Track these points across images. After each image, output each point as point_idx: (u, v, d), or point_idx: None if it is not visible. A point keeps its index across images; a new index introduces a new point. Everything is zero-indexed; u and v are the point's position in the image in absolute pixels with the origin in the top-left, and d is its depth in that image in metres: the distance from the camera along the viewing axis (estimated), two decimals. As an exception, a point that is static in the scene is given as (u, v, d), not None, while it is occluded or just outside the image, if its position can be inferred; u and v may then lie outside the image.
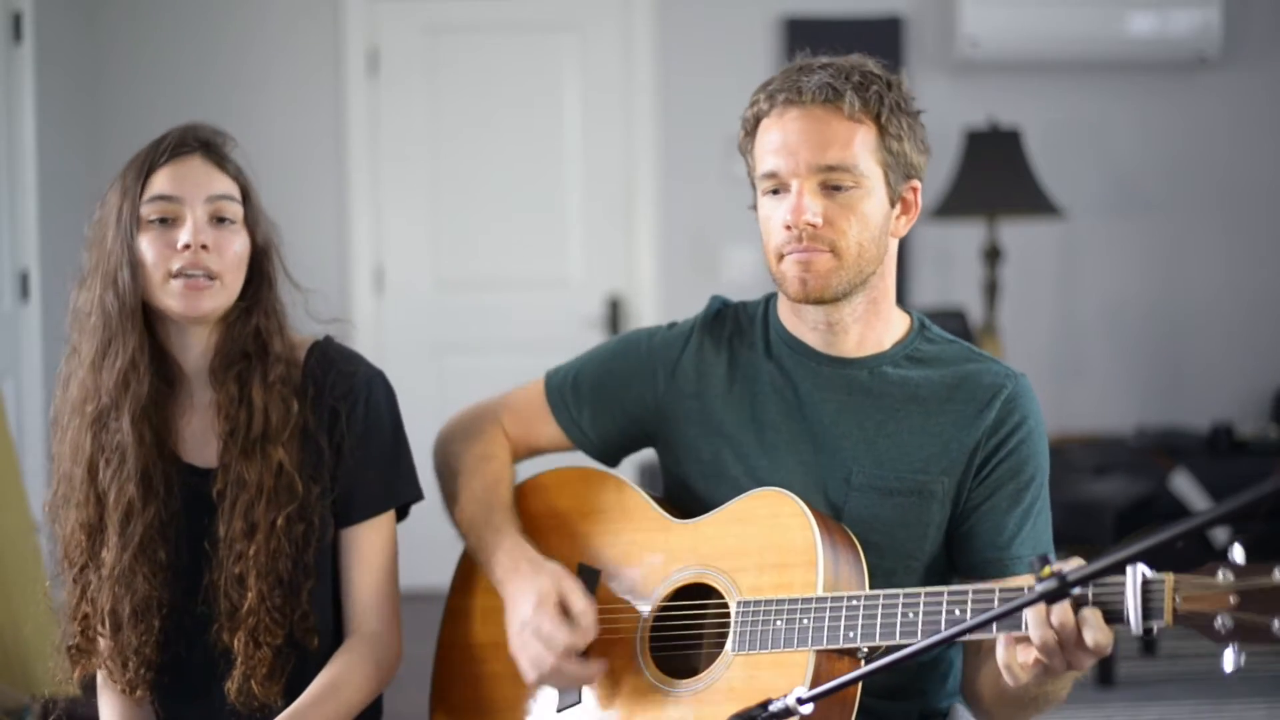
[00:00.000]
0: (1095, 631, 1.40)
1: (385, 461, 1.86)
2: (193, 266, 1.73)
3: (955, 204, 4.80)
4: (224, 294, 1.77)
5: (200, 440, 1.83)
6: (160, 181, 1.74)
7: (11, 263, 4.23)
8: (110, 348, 1.77)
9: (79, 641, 1.82)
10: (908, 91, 1.77)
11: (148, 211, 1.74)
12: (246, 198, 1.80)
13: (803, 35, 5.04)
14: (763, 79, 1.79)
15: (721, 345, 1.87)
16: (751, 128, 1.77)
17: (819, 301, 1.73)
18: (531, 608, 1.73)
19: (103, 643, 1.81)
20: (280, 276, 1.84)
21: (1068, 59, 5.11)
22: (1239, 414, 5.16)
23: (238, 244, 1.77)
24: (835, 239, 1.70)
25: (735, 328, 1.88)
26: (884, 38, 5.13)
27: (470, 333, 5.20)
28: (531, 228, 5.20)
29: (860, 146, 1.70)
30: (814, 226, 1.69)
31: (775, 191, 1.73)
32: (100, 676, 1.87)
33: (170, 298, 1.75)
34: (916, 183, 1.77)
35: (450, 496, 1.94)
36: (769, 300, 1.89)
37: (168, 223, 1.74)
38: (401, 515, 1.91)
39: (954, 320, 4.44)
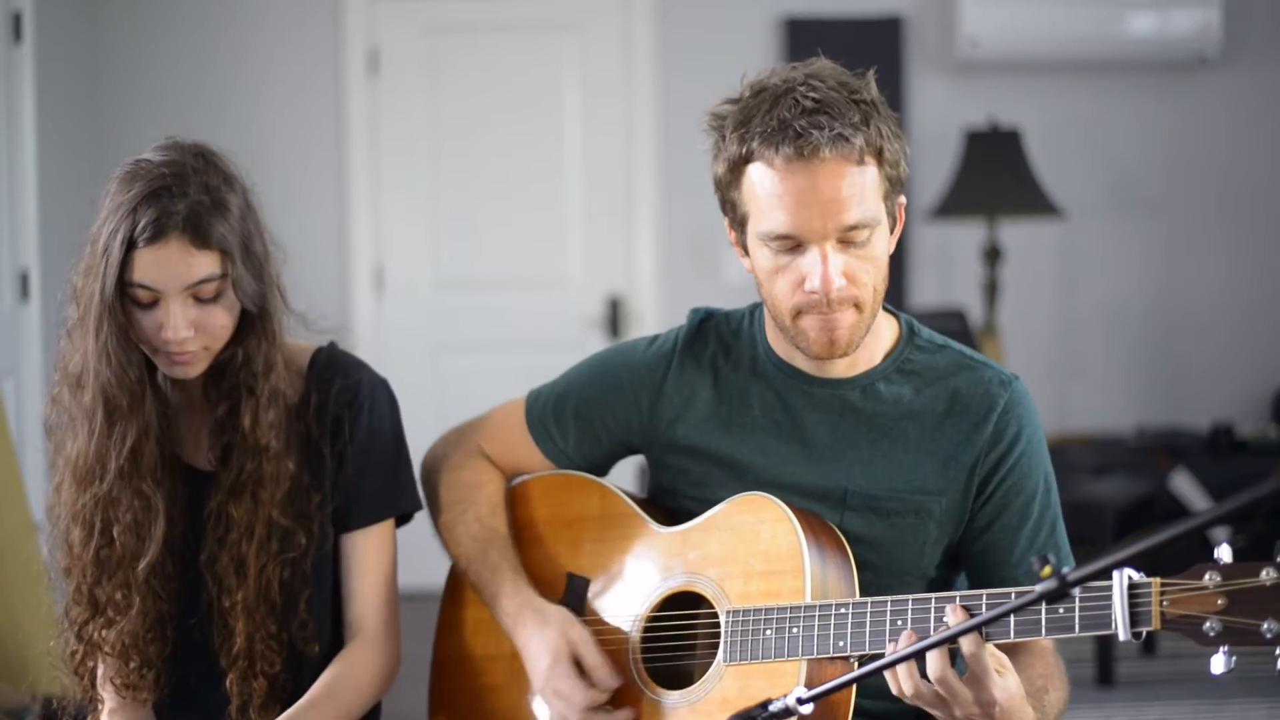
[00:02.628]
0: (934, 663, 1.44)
1: (386, 469, 1.85)
2: (179, 353, 1.72)
3: (955, 204, 4.80)
4: (209, 357, 1.75)
5: (203, 442, 1.82)
6: (141, 269, 1.68)
7: (11, 263, 4.23)
8: (115, 428, 1.74)
9: (89, 693, 1.81)
10: (879, 96, 1.65)
11: (133, 293, 1.70)
12: (232, 262, 1.72)
13: (803, 35, 5.04)
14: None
15: (705, 366, 1.82)
16: (736, 164, 1.65)
17: (843, 356, 1.69)
18: (547, 666, 1.72)
19: (109, 659, 1.80)
20: (275, 316, 1.79)
21: (1068, 59, 5.11)
22: (1239, 414, 5.16)
23: (222, 316, 1.73)
24: (857, 294, 1.64)
25: (719, 345, 1.83)
26: (884, 38, 5.12)
27: (470, 333, 5.20)
28: (531, 228, 5.19)
29: (871, 190, 1.62)
30: (841, 290, 1.62)
31: (787, 249, 1.63)
32: (104, 691, 1.85)
33: (159, 365, 1.75)
34: (903, 198, 1.70)
35: (443, 528, 1.90)
36: (754, 314, 1.84)
37: (151, 306, 1.71)
38: (403, 522, 1.91)
39: (954, 320, 4.43)
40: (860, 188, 1.61)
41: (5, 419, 3.24)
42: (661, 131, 5.14)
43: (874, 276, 1.65)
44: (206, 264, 1.70)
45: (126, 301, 1.71)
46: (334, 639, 1.85)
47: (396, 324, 5.15)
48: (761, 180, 1.63)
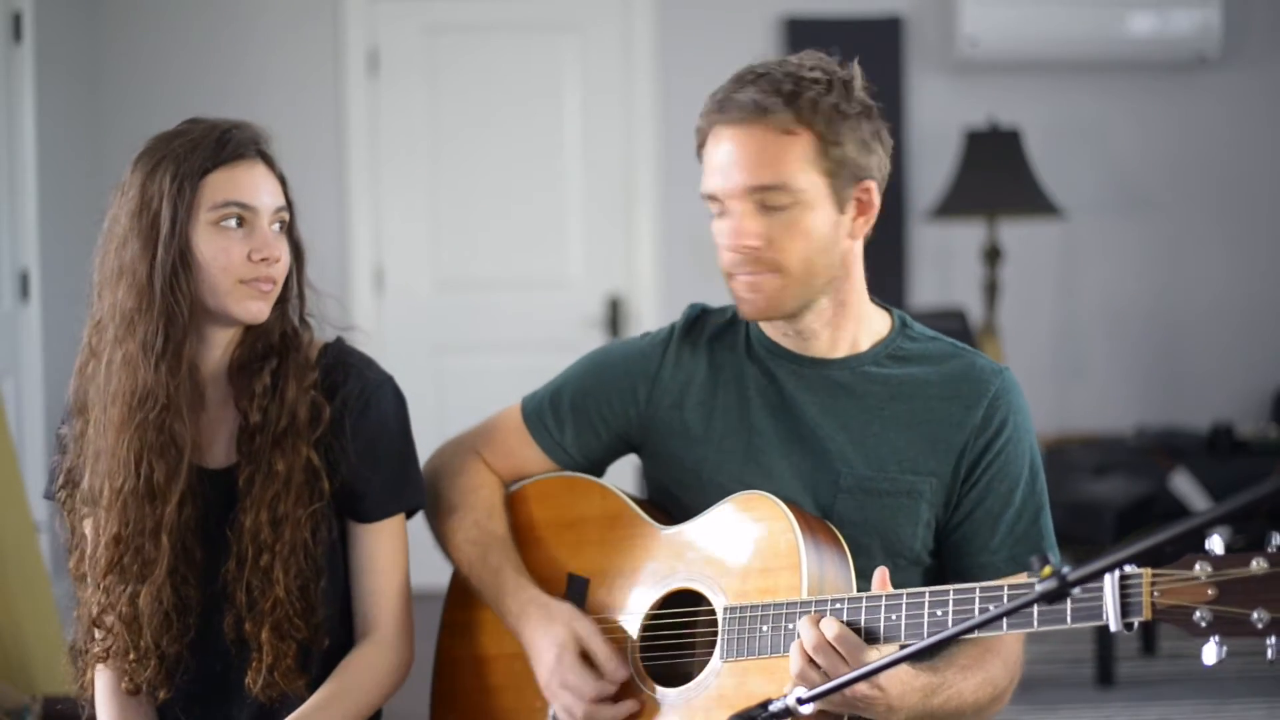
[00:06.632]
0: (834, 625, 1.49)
1: (394, 465, 1.85)
2: (266, 279, 1.73)
3: (955, 204, 4.80)
4: (276, 295, 1.77)
5: (208, 442, 1.81)
6: (230, 187, 1.71)
7: (11, 263, 4.23)
8: (169, 344, 1.70)
9: (95, 649, 1.78)
10: (857, 88, 1.69)
11: (217, 216, 1.71)
12: (289, 197, 1.80)
13: (803, 35, 5.04)
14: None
15: (700, 350, 1.84)
16: (701, 141, 1.74)
17: (769, 319, 1.74)
18: (555, 659, 1.73)
19: (122, 644, 1.77)
20: (304, 276, 1.84)
21: (1068, 59, 5.11)
22: (1239, 414, 5.16)
23: (287, 253, 1.78)
24: (778, 258, 1.68)
25: (714, 331, 1.86)
26: (884, 38, 5.12)
27: (470, 333, 5.20)
28: (531, 228, 5.19)
29: (796, 160, 1.66)
30: (754, 249, 1.67)
31: (720, 212, 1.72)
32: (101, 682, 1.83)
33: (235, 302, 1.73)
34: (869, 183, 1.71)
35: (443, 536, 1.92)
36: None
37: (239, 229, 1.72)
38: (410, 514, 1.91)
39: (954, 320, 4.44)
40: (777, 154, 1.66)
41: (5, 419, 3.24)
42: (661, 131, 5.14)
43: (802, 247, 1.68)
44: (281, 194, 1.78)
45: (199, 232, 1.71)
46: (345, 635, 1.84)
47: (396, 324, 5.15)
48: (707, 148, 1.72)
